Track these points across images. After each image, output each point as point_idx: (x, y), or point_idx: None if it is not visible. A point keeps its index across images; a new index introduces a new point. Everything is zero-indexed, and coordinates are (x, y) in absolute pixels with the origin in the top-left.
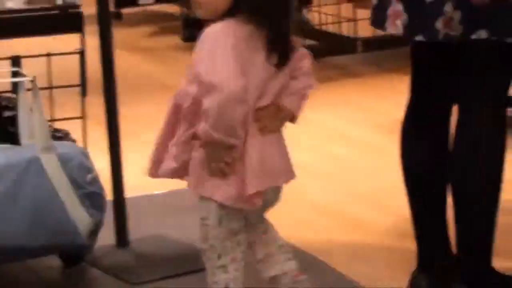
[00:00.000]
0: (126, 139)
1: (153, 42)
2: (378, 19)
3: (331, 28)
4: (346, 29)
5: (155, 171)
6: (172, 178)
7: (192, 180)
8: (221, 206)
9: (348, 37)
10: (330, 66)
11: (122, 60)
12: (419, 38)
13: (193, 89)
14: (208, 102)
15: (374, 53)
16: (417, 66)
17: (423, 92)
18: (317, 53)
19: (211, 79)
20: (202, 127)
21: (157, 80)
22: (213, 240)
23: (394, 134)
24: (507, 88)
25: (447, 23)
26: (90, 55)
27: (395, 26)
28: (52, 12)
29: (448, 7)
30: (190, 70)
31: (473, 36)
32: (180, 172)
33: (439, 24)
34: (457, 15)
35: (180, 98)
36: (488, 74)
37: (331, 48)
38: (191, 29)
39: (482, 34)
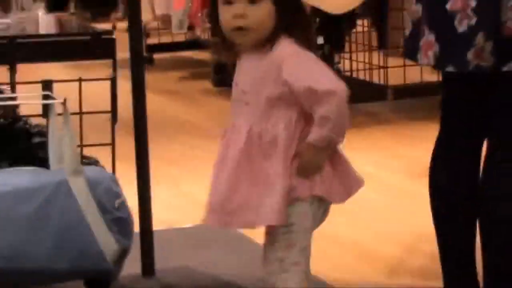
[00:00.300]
0: (153, 174)
1: (184, 86)
2: (411, 50)
3: (362, 75)
4: (377, 77)
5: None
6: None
7: (309, 186)
8: (321, 205)
9: (378, 85)
10: (361, 112)
11: (152, 102)
12: (449, 69)
13: (290, 114)
14: (325, 109)
15: (405, 101)
16: (448, 98)
17: (453, 125)
18: (348, 100)
19: (326, 87)
20: (317, 135)
21: (186, 122)
22: (304, 242)
23: (424, 180)
24: None
25: (478, 53)
26: (123, 98)
27: (427, 57)
28: (85, 37)
29: (479, 38)
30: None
31: (505, 68)
32: None
33: (470, 55)
34: (489, 46)
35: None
36: None
37: (362, 95)
38: (221, 75)
39: None
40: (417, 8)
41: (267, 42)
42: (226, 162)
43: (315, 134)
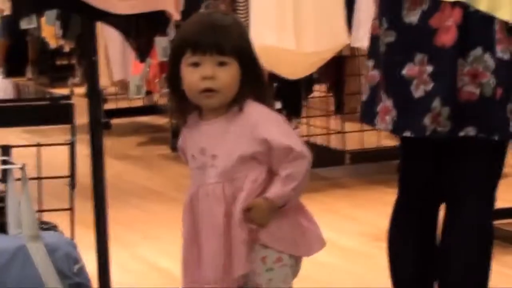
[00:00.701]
0: (111, 239)
1: (142, 151)
2: (368, 115)
3: (319, 140)
4: (334, 141)
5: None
6: None
7: (286, 244)
8: (296, 263)
9: (336, 150)
10: (318, 177)
11: (110, 167)
12: (406, 134)
13: (257, 174)
14: (295, 170)
15: (362, 165)
16: (405, 161)
17: (411, 187)
18: None
19: (301, 149)
20: (279, 191)
21: (144, 187)
22: None
23: (380, 243)
24: (494, 187)
25: (435, 119)
26: (82, 163)
27: (385, 122)
28: (44, 102)
29: (436, 103)
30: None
31: (461, 133)
32: None
33: (427, 120)
34: (446, 111)
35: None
36: (475, 172)
37: (320, 160)
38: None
39: (470, 131)
40: (375, 74)
41: (234, 105)
42: (208, 232)
43: (277, 190)
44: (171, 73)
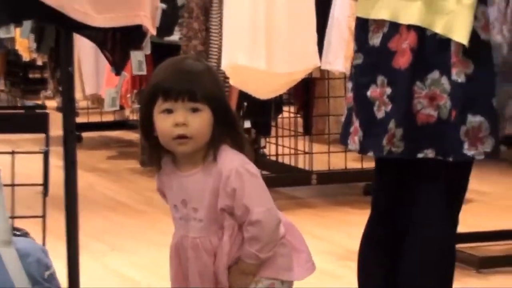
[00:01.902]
0: (81, 248)
1: (112, 164)
2: (344, 136)
3: (287, 160)
4: (302, 162)
5: None
6: None
7: (276, 271)
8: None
9: (303, 170)
10: (285, 196)
11: (80, 179)
12: (370, 153)
13: (231, 229)
14: (255, 233)
15: (329, 186)
16: (375, 180)
17: (380, 205)
18: (273, 184)
19: (258, 217)
20: (246, 252)
21: (112, 199)
22: None
23: (346, 262)
24: (457, 210)
25: (390, 139)
26: (53, 174)
27: (354, 142)
28: (19, 111)
29: (391, 124)
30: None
31: (420, 155)
32: None
33: (384, 141)
34: (399, 132)
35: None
36: (437, 194)
37: (287, 180)
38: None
39: (430, 153)
40: (351, 96)
41: (208, 153)
42: (198, 279)
43: (245, 252)
44: (144, 120)
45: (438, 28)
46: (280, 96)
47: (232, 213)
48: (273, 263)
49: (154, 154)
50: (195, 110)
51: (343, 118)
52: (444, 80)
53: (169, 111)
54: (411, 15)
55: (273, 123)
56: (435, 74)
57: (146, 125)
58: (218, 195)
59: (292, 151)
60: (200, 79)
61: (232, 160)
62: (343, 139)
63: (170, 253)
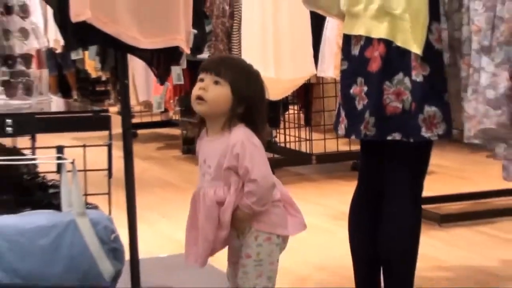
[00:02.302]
0: (138, 217)
1: (160, 153)
2: (335, 125)
3: (293, 146)
4: (304, 147)
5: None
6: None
7: (272, 227)
8: (283, 241)
9: (305, 153)
10: (291, 173)
11: (136, 165)
12: (352, 137)
13: (236, 185)
14: (253, 188)
15: (325, 165)
16: (361, 159)
17: (363, 176)
18: (282, 164)
19: (257, 175)
20: (244, 203)
21: (161, 180)
22: (272, 274)
23: (339, 221)
24: (421, 180)
25: (366, 126)
26: (115, 161)
27: (342, 129)
28: (88, 114)
29: (367, 114)
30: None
31: (389, 137)
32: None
33: (362, 127)
34: (372, 120)
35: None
36: (406, 168)
37: (292, 161)
38: (187, 146)
39: (396, 136)
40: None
41: (225, 126)
42: (203, 221)
43: (243, 202)
44: (185, 91)
45: (399, 42)
46: (286, 97)
47: (237, 173)
48: (269, 220)
49: (198, 124)
50: (217, 82)
51: (335, 112)
52: (407, 80)
53: (201, 80)
54: (380, 32)
55: (281, 118)
56: (400, 76)
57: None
58: (225, 157)
59: (296, 139)
60: (231, 65)
61: (240, 134)
62: (335, 127)
63: (190, 202)
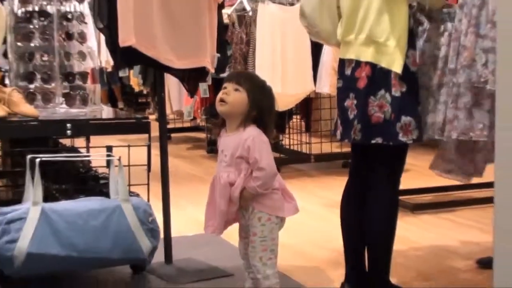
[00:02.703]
0: (171, 203)
1: (189, 153)
2: (334, 131)
3: (296, 148)
4: (304, 148)
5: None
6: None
7: (272, 209)
8: (281, 221)
9: (305, 153)
10: (294, 169)
11: (170, 162)
12: (345, 140)
13: (245, 171)
14: (259, 174)
15: (321, 163)
16: (351, 158)
17: (352, 171)
18: (287, 162)
19: (263, 164)
20: (251, 185)
21: (190, 174)
22: (274, 247)
23: (333, 209)
24: (399, 177)
25: (355, 132)
26: (153, 159)
27: (338, 134)
28: (130, 120)
29: (355, 122)
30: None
31: (373, 141)
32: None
33: (352, 132)
34: (359, 127)
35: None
36: (386, 166)
37: (295, 159)
38: (210, 147)
39: (379, 140)
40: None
41: (240, 125)
42: (219, 199)
43: (250, 185)
44: (210, 103)
45: (383, 63)
46: (291, 108)
47: (248, 162)
48: (270, 204)
49: (220, 124)
50: (237, 89)
51: (333, 121)
52: (387, 95)
53: (224, 87)
54: (367, 56)
55: (287, 125)
56: (382, 92)
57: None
58: (238, 149)
59: (298, 142)
60: (249, 78)
61: (252, 131)
62: (334, 132)
63: (210, 185)
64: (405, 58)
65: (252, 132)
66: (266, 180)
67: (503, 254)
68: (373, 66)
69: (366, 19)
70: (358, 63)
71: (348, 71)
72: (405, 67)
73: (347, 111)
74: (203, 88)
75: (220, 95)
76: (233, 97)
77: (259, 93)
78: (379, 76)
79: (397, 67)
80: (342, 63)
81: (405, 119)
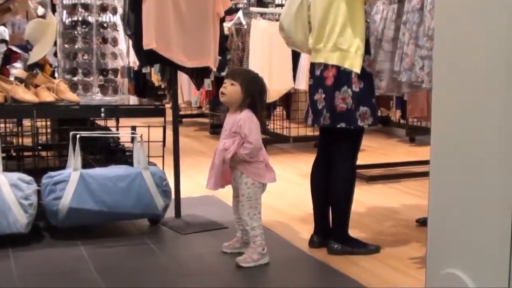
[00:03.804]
0: (181, 172)
1: (196, 134)
2: (306, 118)
3: (278, 131)
4: (285, 132)
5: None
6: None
7: (256, 176)
8: (263, 186)
9: (286, 135)
10: (277, 148)
11: (181, 140)
12: (315, 125)
13: (237, 141)
14: (248, 145)
15: (299, 143)
16: (319, 139)
17: (320, 151)
18: (271, 142)
19: (252, 139)
20: (241, 152)
21: (196, 149)
22: (258, 205)
23: (304, 178)
24: (356, 154)
25: (324, 118)
26: (168, 137)
27: (310, 121)
28: (150, 106)
29: (324, 111)
30: (231, 133)
31: (338, 125)
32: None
33: (321, 119)
34: (328, 115)
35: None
36: (346, 146)
37: (278, 140)
38: (213, 129)
39: (343, 124)
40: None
41: (237, 109)
42: (217, 160)
43: (240, 151)
44: (214, 96)
45: (346, 65)
46: (275, 100)
47: (240, 135)
48: (255, 172)
49: (226, 110)
50: (232, 84)
51: (305, 110)
52: (349, 90)
53: (224, 83)
54: (333, 60)
55: (272, 113)
56: (345, 88)
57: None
58: (234, 126)
59: (281, 127)
60: (242, 73)
61: (246, 113)
62: (305, 119)
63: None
64: (362, 61)
65: (246, 114)
66: (252, 151)
67: (435, 215)
68: (338, 68)
69: (333, 31)
70: (326, 66)
71: (317, 72)
72: (362, 69)
73: (317, 103)
74: (207, 82)
75: (222, 89)
76: (229, 90)
77: (250, 84)
78: (343, 76)
79: (357, 68)
80: (312, 66)
81: (362, 108)
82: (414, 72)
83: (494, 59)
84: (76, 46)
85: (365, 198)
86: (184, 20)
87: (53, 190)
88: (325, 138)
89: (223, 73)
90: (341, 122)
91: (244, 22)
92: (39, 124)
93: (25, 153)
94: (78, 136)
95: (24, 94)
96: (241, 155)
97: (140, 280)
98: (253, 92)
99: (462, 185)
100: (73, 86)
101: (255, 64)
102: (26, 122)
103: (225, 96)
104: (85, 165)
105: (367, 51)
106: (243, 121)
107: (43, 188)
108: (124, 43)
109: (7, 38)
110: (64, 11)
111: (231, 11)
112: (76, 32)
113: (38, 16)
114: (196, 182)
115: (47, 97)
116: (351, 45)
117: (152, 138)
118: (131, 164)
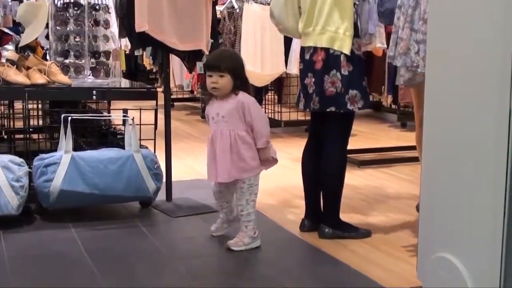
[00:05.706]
0: (172, 155)
1: (188, 117)
2: (297, 102)
3: (270, 116)
4: (277, 116)
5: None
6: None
7: (256, 167)
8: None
9: (277, 120)
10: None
11: (172, 123)
12: (307, 110)
13: (246, 128)
14: (264, 135)
15: (290, 128)
16: (310, 123)
17: (311, 135)
18: None
19: (262, 128)
20: (262, 142)
21: (187, 133)
22: (256, 190)
23: (296, 162)
24: (347, 138)
25: (314, 102)
26: (159, 120)
27: (301, 105)
28: (142, 89)
29: (314, 96)
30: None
31: (328, 109)
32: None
33: (311, 103)
34: (317, 99)
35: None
36: (337, 129)
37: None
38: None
39: (332, 108)
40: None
41: (231, 93)
42: (221, 153)
43: (259, 143)
44: (204, 80)
45: (336, 47)
46: (267, 85)
47: (242, 118)
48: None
49: (210, 97)
50: (221, 76)
51: (297, 94)
52: (338, 74)
53: (210, 76)
54: (322, 42)
55: (263, 98)
56: (334, 71)
57: (205, 82)
58: (236, 109)
59: (272, 111)
60: (226, 59)
61: (245, 96)
62: (297, 103)
63: (207, 142)
64: (351, 44)
65: (246, 97)
66: (265, 133)
67: (427, 201)
68: (327, 50)
69: (321, 14)
70: (315, 49)
71: (307, 56)
72: (352, 52)
73: (307, 87)
74: (199, 66)
75: (210, 84)
76: (221, 83)
77: (236, 68)
78: (332, 59)
79: (346, 50)
80: (302, 50)
81: (352, 92)
82: (409, 56)
83: (488, 44)
84: (68, 28)
85: (356, 182)
86: (176, 3)
87: (44, 172)
88: (316, 123)
89: None
90: (330, 106)
91: (236, 6)
92: (30, 106)
93: (17, 136)
94: (69, 118)
95: (16, 76)
96: (264, 143)
97: (130, 263)
98: (240, 72)
99: (453, 171)
100: (65, 69)
101: (247, 48)
102: (18, 105)
103: (219, 90)
104: (77, 147)
105: (356, 33)
106: (247, 104)
107: (35, 170)
108: (116, 26)
109: None
110: None
111: None
112: (68, 14)
113: None
114: (187, 166)
115: (39, 79)
116: (340, 27)
117: (144, 121)
118: (122, 147)
